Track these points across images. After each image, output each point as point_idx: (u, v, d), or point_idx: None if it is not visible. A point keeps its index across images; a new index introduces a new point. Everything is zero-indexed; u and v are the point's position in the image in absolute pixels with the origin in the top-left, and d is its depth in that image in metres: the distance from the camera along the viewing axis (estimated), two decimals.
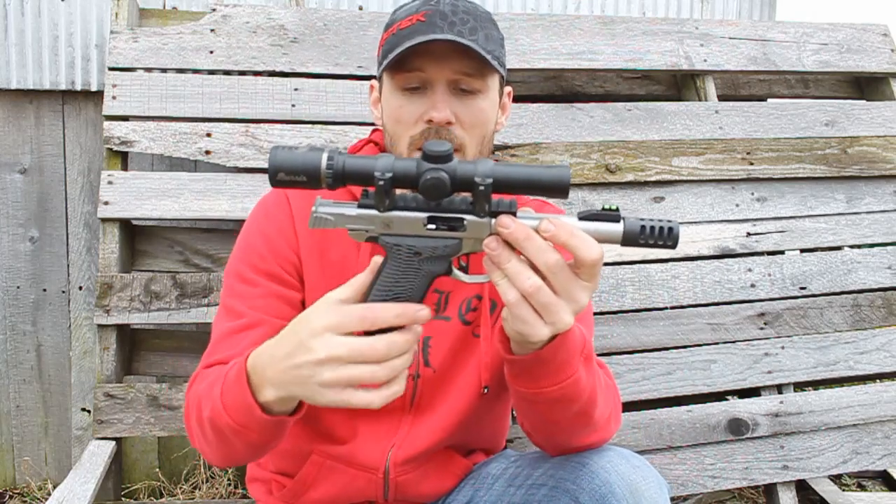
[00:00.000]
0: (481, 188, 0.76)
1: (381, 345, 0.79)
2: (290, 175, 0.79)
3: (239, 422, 0.91)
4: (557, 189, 0.78)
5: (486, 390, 1.20)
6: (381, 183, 0.77)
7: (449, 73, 1.09)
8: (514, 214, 0.79)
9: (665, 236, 0.77)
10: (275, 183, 0.80)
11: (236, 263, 1.18)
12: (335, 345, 0.78)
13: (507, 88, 1.23)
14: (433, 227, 0.80)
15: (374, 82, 1.23)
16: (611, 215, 0.79)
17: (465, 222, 0.80)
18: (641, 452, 1.90)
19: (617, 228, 0.78)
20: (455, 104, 1.10)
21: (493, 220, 0.79)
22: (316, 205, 0.83)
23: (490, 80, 1.13)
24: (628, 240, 0.78)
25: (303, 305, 1.17)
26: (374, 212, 0.80)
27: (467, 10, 1.10)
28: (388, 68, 1.10)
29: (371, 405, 0.80)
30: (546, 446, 1.12)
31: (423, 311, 0.80)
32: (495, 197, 0.79)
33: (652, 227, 0.77)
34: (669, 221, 0.78)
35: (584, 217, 0.80)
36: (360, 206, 0.81)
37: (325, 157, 0.78)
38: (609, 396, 1.06)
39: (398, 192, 0.81)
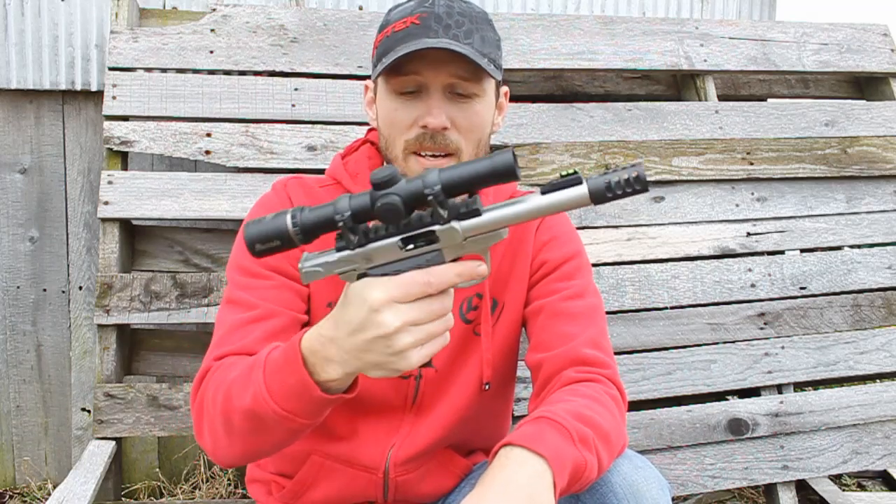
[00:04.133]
0: (431, 198, 0.79)
1: (446, 300, 0.82)
2: (265, 244, 0.82)
3: (287, 407, 0.90)
4: (505, 174, 0.79)
5: (487, 387, 1.21)
6: (342, 224, 0.81)
7: (444, 78, 1.08)
8: (478, 212, 0.81)
9: (633, 182, 0.78)
10: (257, 254, 0.83)
11: (241, 258, 1.17)
12: (406, 311, 0.80)
13: (504, 88, 1.23)
14: (411, 246, 0.82)
15: (369, 83, 1.22)
16: (572, 180, 0.80)
17: (436, 233, 0.82)
18: (641, 452, 1.90)
19: (582, 190, 0.79)
20: (451, 109, 1.10)
21: (461, 223, 0.81)
22: (301, 261, 0.86)
23: (486, 83, 1.12)
24: (597, 197, 0.79)
25: (309, 300, 1.17)
26: (351, 252, 0.83)
27: (462, 11, 1.09)
28: (383, 72, 1.10)
29: (445, 343, 0.84)
30: None
31: (480, 267, 0.83)
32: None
33: (618, 181, 0.78)
34: (634, 167, 0.78)
35: (547, 190, 0.81)
36: (337, 250, 0.84)
37: (288, 218, 0.82)
38: (616, 428, 1.05)
39: (371, 224, 0.83)
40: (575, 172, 0.80)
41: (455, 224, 0.81)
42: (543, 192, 0.80)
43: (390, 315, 0.79)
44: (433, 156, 1.11)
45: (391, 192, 0.79)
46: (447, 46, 1.04)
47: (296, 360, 0.88)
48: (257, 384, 0.92)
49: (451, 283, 0.81)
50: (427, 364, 0.85)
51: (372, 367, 0.84)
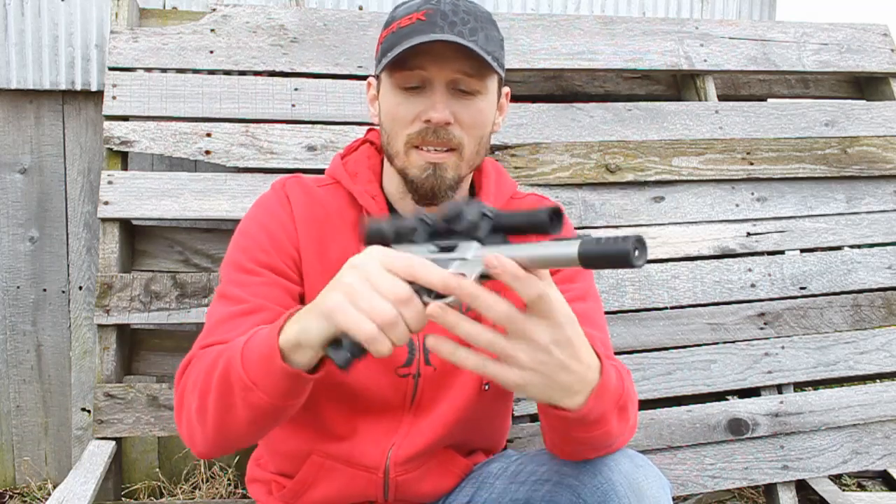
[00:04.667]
0: (480, 219, 0.83)
1: (410, 298, 0.80)
2: (376, 236, 0.93)
3: (251, 375, 0.90)
4: (544, 227, 0.78)
5: (486, 387, 1.21)
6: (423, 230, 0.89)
7: (449, 73, 1.09)
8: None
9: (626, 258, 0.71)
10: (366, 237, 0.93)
11: (236, 255, 1.18)
12: (373, 266, 0.81)
13: (505, 89, 1.23)
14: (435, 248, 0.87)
15: (372, 79, 1.23)
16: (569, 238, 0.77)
17: (458, 246, 0.85)
18: (641, 452, 1.91)
19: (572, 248, 0.75)
20: (454, 104, 1.10)
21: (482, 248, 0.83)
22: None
23: (489, 81, 1.13)
24: (585, 260, 0.74)
25: (302, 300, 1.17)
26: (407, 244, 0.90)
27: (468, 10, 1.10)
28: (388, 67, 1.10)
29: (371, 339, 0.79)
30: (561, 455, 1.11)
31: (467, 287, 0.79)
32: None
33: (608, 248, 0.71)
34: (631, 237, 0.71)
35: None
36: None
37: (412, 222, 0.89)
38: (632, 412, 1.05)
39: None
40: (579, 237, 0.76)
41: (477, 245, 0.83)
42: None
43: (363, 257, 0.82)
44: (435, 150, 1.11)
45: (460, 208, 0.85)
46: (454, 40, 1.05)
47: (276, 325, 0.90)
48: (237, 349, 0.94)
49: (430, 281, 0.79)
50: (339, 359, 0.83)
51: (314, 308, 0.85)
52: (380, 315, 0.78)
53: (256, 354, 0.91)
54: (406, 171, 1.14)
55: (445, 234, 0.86)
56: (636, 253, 0.71)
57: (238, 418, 0.96)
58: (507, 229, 0.82)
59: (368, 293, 0.79)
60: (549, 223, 0.78)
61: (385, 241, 0.90)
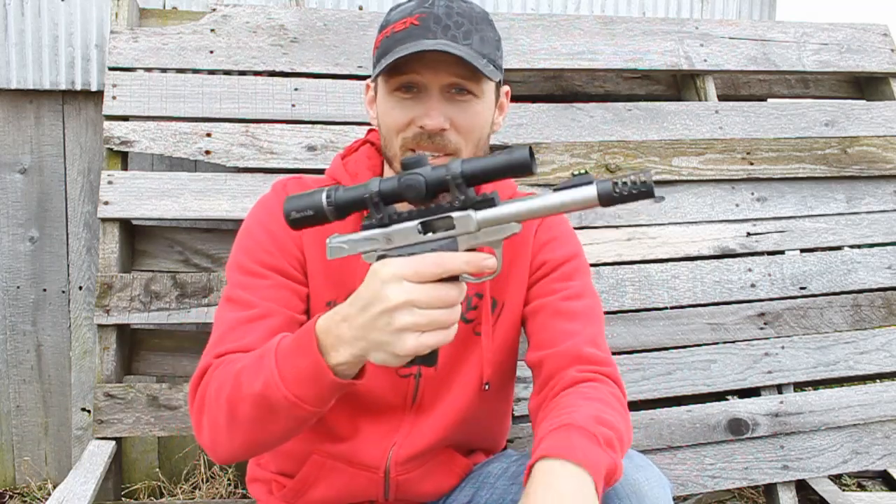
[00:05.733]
0: (452, 182, 0.84)
1: (454, 291, 0.83)
2: (301, 212, 0.90)
3: (297, 393, 0.90)
4: (521, 168, 0.84)
5: (486, 387, 1.21)
6: (369, 201, 0.87)
7: (443, 78, 1.08)
8: (493, 203, 0.85)
9: (639, 185, 0.81)
10: (292, 222, 0.91)
11: (240, 257, 1.17)
12: (412, 290, 0.82)
13: (505, 88, 1.23)
14: (430, 234, 0.87)
15: (370, 82, 1.23)
16: (583, 179, 0.83)
17: (453, 219, 0.86)
18: (641, 452, 1.90)
19: (591, 191, 0.82)
20: (449, 109, 1.10)
21: (477, 213, 0.85)
22: (329, 239, 0.92)
23: (485, 83, 1.12)
24: (604, 197, 0.81)
25: (309, 300, 1.17)
26: (375, 230, 0.89)
27: (462, 11, 1.09)
28: (383, 72, 1.10)
29: (447, 340, 0.83)
30: None
31: (489, 259, 0.84)
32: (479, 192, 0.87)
33: (624, 182, 0.81)
34: (643, 172, 0.81)
35: (559, 188, 0.84)
36: (363, 229, 0.90)
37: (324, 195, 0.89)
38: (627, 428, 1.05)
39: (398, 211, 0.89)
40: (587, 172, 0.83)
41: (471, 212, 0.85)
42: (555, 190, 0.84)
43: (395, 289, 0.81)
44: (432, 156, 1.11)
45: (416, 171, 0.85)
46: (444, 48, 1.04)
47: (310, 342, 0.89)
48: (269, 370, 0.93)
49: (460, 268, 0.83)
50: (430, 362, 0.85)
51: (374, 348, 0.84)
52: (441, 323, 0.83)
53: (300, 373, 0.91)
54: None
55: (429, 212, 0.87)
56: (651, 183, 0.80)
57: (278, 430, 0.97)
58: (482, 179, 0.85)
59: (413, 316, 0.82)
60: (530, 161, 0.83)
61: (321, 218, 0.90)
